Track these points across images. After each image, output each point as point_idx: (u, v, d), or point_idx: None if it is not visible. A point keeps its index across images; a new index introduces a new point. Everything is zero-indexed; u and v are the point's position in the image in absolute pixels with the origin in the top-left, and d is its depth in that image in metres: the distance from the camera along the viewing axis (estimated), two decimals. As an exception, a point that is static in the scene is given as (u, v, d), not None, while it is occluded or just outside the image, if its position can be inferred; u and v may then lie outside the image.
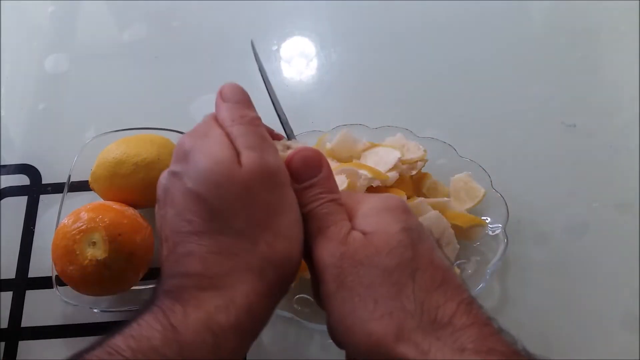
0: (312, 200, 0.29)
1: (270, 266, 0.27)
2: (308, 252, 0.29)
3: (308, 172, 0.30)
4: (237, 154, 0.27)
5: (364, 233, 0.27)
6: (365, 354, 0.25)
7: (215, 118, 0.30)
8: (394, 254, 0.26)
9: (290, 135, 0.37)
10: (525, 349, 0.25)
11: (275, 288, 0.27)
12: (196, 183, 0.26)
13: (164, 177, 0.29)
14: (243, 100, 0.31)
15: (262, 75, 0.40)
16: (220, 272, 0.26)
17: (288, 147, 0.32)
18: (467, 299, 0.25)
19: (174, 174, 0.28)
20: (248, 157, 0.27)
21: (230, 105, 0.30)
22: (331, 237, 0.28)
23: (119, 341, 0.24)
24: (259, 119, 0.30)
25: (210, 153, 0.27)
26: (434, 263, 0.26)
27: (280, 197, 0.28)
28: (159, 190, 0.29)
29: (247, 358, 0.46)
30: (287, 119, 0.38)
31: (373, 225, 0.27)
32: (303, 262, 0.44)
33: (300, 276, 0.45)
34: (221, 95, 0.31)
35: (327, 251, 0.27)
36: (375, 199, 0.30)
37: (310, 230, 0.29)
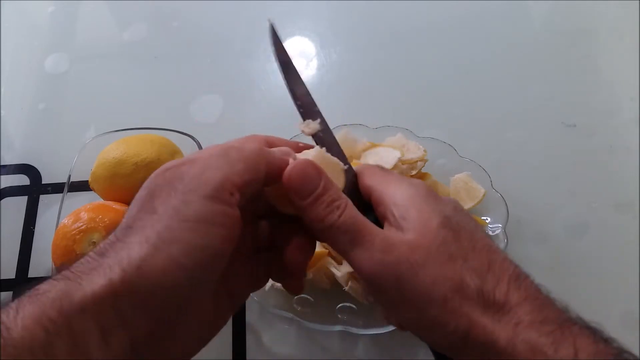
0: (327, 212, 0.27)
1: (120, 270, 0.23)
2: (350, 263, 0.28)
3: (308, 185, 0.28)
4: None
5: (402, 229, 0.27)
6: (444, 343, 0.27)
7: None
8: (443, 250, 0.26)
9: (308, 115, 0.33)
10: (578, 315, 0.27)
11: (129, 296, 0.23)
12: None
13: None
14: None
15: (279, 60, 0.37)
16: (85, 269, 0.24)
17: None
18: (515, 272, 0.27)
19: None
20: None
21: None
22: (372, 247, 0.27)
23: None
24: None
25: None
26: (476, 248, 0.27)
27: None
28: None
29: (247, 358, 0.46)
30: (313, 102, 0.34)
31: (412, 220, 0.27)
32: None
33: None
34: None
35: (378, 262, 0.26)
36: (404, 186, 0.29)
37: (342, 244, 0.27)
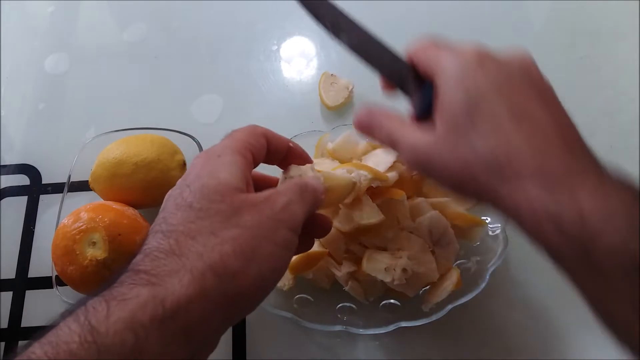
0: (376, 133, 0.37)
1: (212, 275, 0.25)
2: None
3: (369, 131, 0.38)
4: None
5: (435, 124, 0.33)
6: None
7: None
8: (453, 138, 0.32)
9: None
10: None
11: (214, 300, 0.25)
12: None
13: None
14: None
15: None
16: (164, 271, 0.25)
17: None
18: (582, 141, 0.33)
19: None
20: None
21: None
22: (403, 152, 0.34)
23: (36, 349, 0.22)
24: None
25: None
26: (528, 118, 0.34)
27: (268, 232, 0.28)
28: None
29: (247, 358, 0.46)
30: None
31: (443, 112, 0.33)
32: (299, 261, 0.44)
33: (299, 276, 0.45)
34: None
35: (408, 159, 0.34)
36: (450, 61, 0.35)
37: (393, 127, 0.35)
